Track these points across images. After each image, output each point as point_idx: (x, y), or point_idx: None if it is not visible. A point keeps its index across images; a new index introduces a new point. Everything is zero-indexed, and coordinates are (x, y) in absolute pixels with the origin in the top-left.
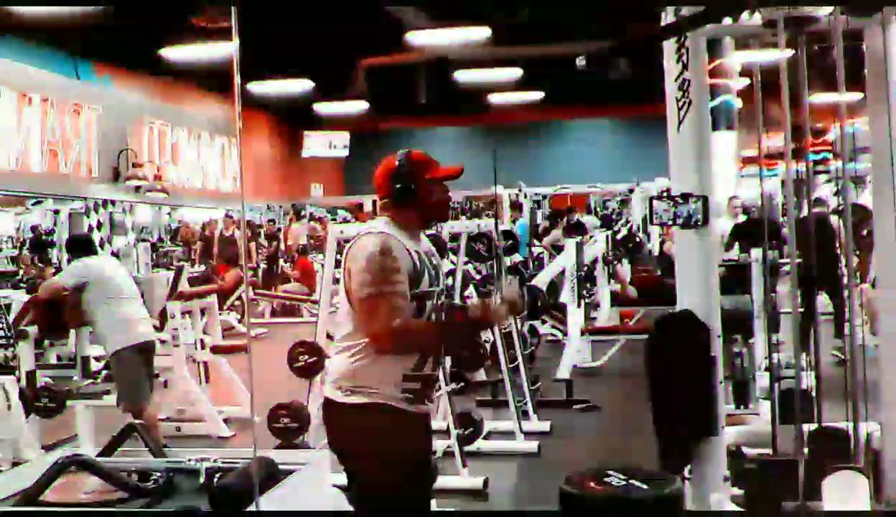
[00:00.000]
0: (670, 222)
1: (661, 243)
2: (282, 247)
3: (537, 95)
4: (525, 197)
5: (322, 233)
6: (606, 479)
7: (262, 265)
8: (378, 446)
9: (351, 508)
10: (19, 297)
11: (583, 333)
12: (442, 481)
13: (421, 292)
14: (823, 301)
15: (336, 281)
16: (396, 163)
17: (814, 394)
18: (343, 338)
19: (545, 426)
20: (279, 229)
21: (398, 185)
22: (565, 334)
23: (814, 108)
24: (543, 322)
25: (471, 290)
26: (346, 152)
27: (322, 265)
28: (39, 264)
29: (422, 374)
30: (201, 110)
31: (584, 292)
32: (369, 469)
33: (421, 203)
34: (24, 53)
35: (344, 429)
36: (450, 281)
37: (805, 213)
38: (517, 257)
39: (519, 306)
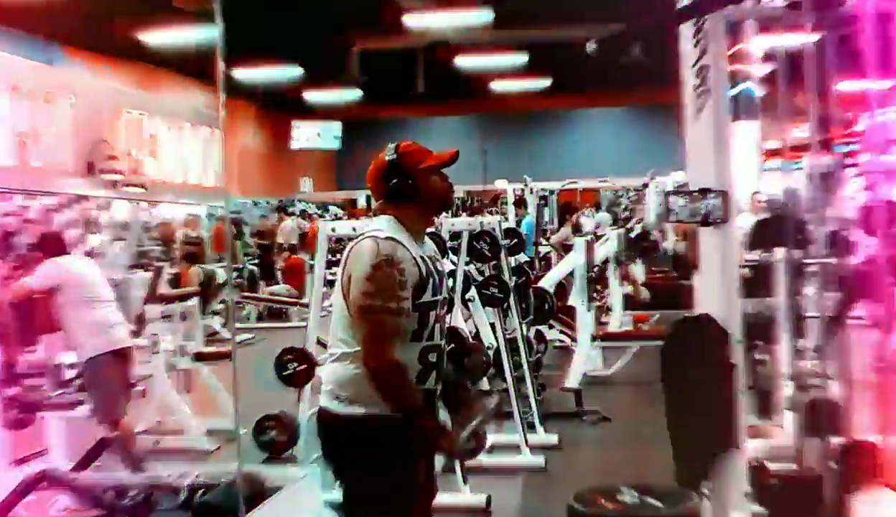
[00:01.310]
0: (688, 220)
1: (676, 243)
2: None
3: (543, 83)
4: (531, 192)
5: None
6: (618, 496)
7: (250, 266)
8: (376, 460)
9: None
10: None
11: (593, 339)
12: (442, 498)
13: (424, 302)
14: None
15: (330, 283)
16: (387, 159)
17: (842, 404)
18: (339, 344)
19: (552, 439)
20: (271, 226)
21: (393, 182)
22: (574, 340)
23: (842, 96)
24: (551, 327)
25: (472, 293)
26: (337, 144)
27: (311, 265)
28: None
29: (422, 388)
30: (182, 99)
31: (595, 295)
32: (365, 483)
33: (421, 196)
34: None
35: (341, 442)
36: (450, 282)
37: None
38: (522, 257)
39: (483, 441)
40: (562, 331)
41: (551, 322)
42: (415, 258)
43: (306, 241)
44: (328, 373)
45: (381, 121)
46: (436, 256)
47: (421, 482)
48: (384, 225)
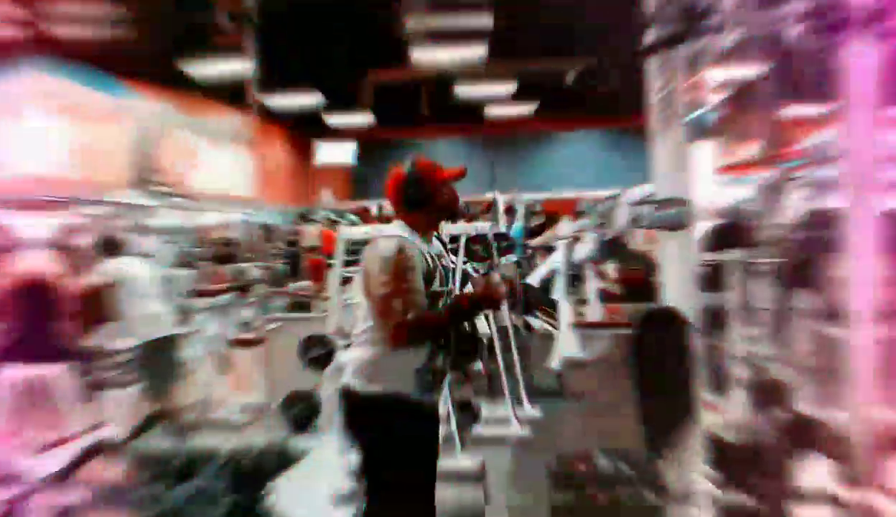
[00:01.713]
0: (654, 226)
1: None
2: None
3: (530, 108)
4: (520, 202)
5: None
6: (593, 460)
7: (278, 265)
8: (392, 432)
9: (361, 491)
10: None
11: (573, 327)
12: (441, 464)
13: (433, 291)
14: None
15: (345, 280)
16: (406, 171)
17: (786, 383)
18: (363, 331)
19: (537, 413)
20: (297, 232)
21: (411, 192)
22: (556, 328)
23: (786, 119)
24: (537, 317)
25: (469, 288)
26: (354, 160)
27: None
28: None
29: (434, 369)
30: (221, 121)
31: (573, 289)
32: (384, 455)
33: (433, 205)
34: (64, 72)
35: (361, 416)
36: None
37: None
38: (512, 257)
39: (515, 284)
40: (546, 321)
41: (537, 312)
42: (423, 253)
43: (326, 241)
44: (351, 355)
45: (390, 141)
46: (442, 254)
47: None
48: (395, 228)
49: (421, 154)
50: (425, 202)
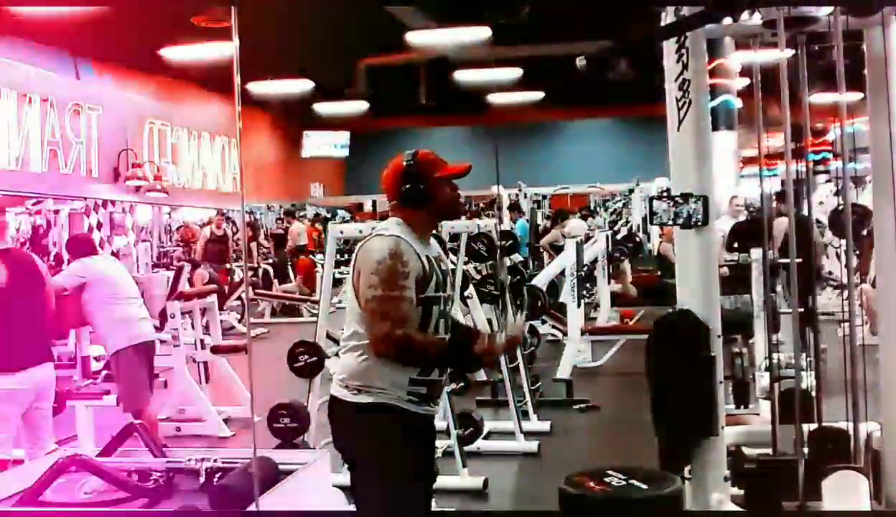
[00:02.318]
0: (670, 222)
1: (660, 243)
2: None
3: (537, 95)
4: (525, 197)
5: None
6: (606, 479)
7: (263, 266)
8: (383, 446)
9: (352, 508)
10: None
11: (583, 333)
12: (442, 481)
13: (428, 297)
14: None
15: (337, 282)
16: (405, 164)
17: (814, 393)
18: (350, 337)
19: (545, 426)
20: (286, 229)
21: (408, 186)
22: (565, 334)
23: (814, 108)
24: (543, 322)
25: (471, 290)
26: (345, 152)
27: (321, 265)
28: (52, 262)
29: (428, 379)
30: (201, 110)
31: (584, 292)
32: (373, 468)
33: (432, 203)
34: (24, 54)
35: (350, 428)
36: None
37: (806, 212)
38: (517, 257)
39: (520, 342)
40: (554, 326)
41: (544, 317)
42: (419, 255)
43: (308, 240)
44: (340, 363)
45: (385, 131)
46: (441, 257)
47: (423, 466)
48: (391, 225)
49: (426, 149)
50: (423, 200)
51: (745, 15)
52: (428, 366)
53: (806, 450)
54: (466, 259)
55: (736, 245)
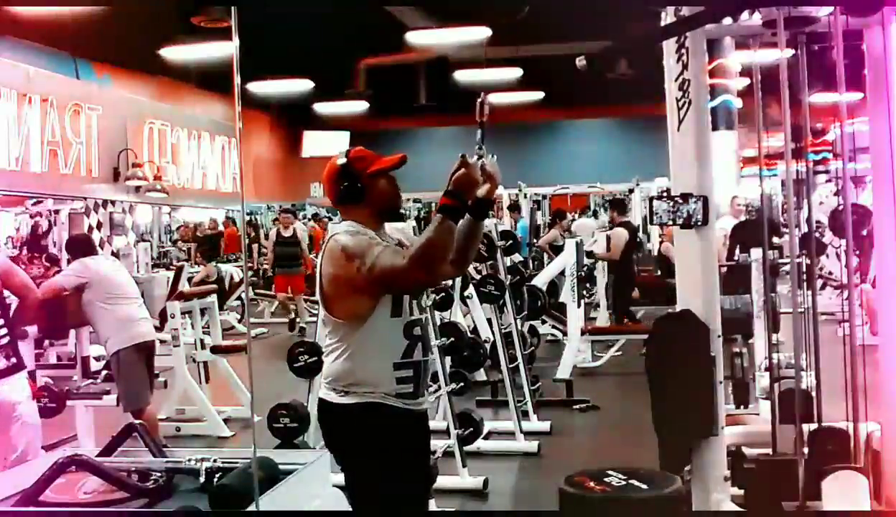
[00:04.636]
0: (671, 222)
1: (661, 243)
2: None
3: (537, 95)
4: (525, 197)
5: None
6: (606, 479)
7: (265, 266)
8: (373, 446)
9: (350, 508)
10: None
11: (583, 333)
12: (441, 481)
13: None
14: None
15: None
16: (337, 164)
17: (813, 393)
18: (327, 339)
19: (545, 426)
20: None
21: (343, 186)
22: (565, 334)
23: (814, 108)
24: (543, 322)
25: (471, 290)
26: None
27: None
28: (47, 262)
29: (412, 361)
30: (201, 110)
31: (584, 292)
32: (365, 468)
33: (370, 199)
34: (24, 54)
35: (339, 430)
36: (448, 281)
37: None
38: (517, 257)
39: (496, 179)
40: (554, 326)
41: (544, 317)
42: (380, 240)
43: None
44: (325, 365)
45: (386, 131)
46: (403, 243)
47: (418, 465)
48: (342, 226)
49: (411, 149)
50: (360, 197)
51: (745, 15)
52: (446, 240)
53: (806, 450)
54: None
55: (738, 247)
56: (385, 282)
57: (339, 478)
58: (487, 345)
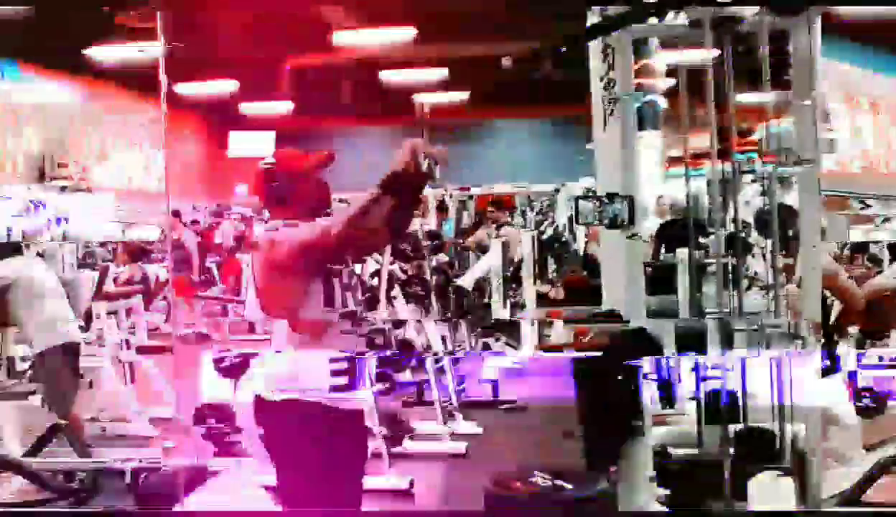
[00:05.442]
0: (596, 222)
1: (586, 244)
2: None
3: (463, 95)
4: (451, 197)
5: (247, 232)
6: (532, 479)
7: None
8: (308, 444)
9: (278, 508)
10: None
11: (536, 350)
12: (367, 481)
13: (330, 269)
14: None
15: None
16: (264, 166)
17: (739, 394)
18: (265, 332)
19: (472, 427)
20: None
21: (272, 188)
22: (517, 350)
23: (740, 108)
24: (497, 339)
25: (396, 290)
26: (271, 152)
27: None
28: None
29: (349, 356)
30: (127, 110)
31: (510, 293)
32: (295, 464)
33: (298, 199)
34: None
35: (273, 427)
36: (374, 281)
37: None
38: (443, 257)
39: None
40: (507, 343)
41: (497, 333)
42: None
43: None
44: (263, 362)
45: (311, 131)
46: None
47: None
48: (273, 226)
49: (336, 149)
50: (287, 198)
51: (670, 15)
52: (373, 215)
53: (732, 450)
54: (392, 259)
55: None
56: (309, 253)
57: (266, 478)
58: (416, 346)
